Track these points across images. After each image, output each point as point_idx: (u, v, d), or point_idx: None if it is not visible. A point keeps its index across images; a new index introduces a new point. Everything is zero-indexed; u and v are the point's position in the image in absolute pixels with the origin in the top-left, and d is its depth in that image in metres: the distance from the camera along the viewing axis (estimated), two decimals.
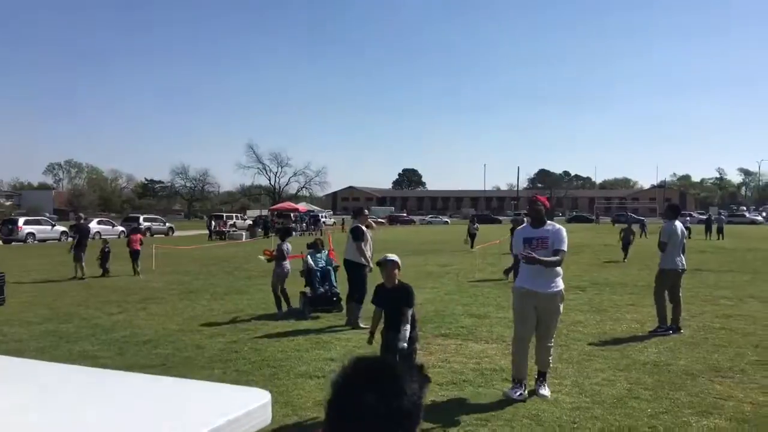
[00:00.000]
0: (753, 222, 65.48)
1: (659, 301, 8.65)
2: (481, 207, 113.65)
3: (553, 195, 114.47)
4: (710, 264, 18.87)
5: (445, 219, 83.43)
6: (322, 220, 58.70)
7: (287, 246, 10.66)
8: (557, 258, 5.59)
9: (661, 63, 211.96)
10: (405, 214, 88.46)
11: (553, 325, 5.76)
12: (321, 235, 29.11)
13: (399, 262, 5.50)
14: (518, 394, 5.49)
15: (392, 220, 76.10)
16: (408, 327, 5.11)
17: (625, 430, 4.78)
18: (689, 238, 32.82)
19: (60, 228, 38.63)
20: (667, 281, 8.72)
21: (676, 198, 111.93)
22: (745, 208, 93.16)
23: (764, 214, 79.08)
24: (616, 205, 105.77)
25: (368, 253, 9.20)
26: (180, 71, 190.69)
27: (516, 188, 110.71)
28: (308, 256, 10.67)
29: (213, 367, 6.75)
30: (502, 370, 6.50)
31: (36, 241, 35.67)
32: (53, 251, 25.32)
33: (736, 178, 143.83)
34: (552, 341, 5.81)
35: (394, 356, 4.75)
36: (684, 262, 8.87)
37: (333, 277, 10.53)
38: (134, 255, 16.95)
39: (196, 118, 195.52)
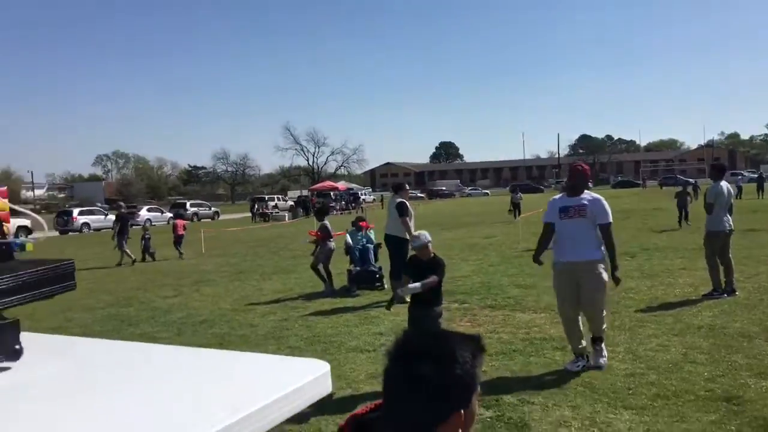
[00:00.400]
0: None
1: (711, 265, 8.47)
2: (522, 176, 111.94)
3: (597, 160, 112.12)
4: (764, 223, 18.25)
5: (485, 190, 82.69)
6: (362, 197, 59.00)
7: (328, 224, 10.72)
8: (611, 240, 5.45)
9: (699, 19, 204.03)
10: (444, 188, 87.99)
11: (597, 296, 5.40)
12: (362, 212, 29.29)
13: (430, 238, 5.42)
14: (578, 365, 5.40)
15: (431, 194, 75.84)
16: (433, 278, 5.19)
17: (682, 394, 4.74)
18: (739, 198, 32.22)
19: (113, 217, 39.76)
20: (717, 243, 8.53)
21: (725, 157, 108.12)
22: None
23: None
24: (663, 167, 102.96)
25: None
26: (210, 58, 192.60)
27: (557, 155, 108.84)
28: (348, 235, 10.84)
29: (267, 344, 6.94)
30: (552, 339, 6.50)
31: (91, 231, 36.89)
32: (108, 239, 26.18)
33: None
34: (602, 310, 5.50)
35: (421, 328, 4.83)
36: (731, 223, 8.64)
37: (372, 256, 10.63)
38: (178, 240, 17.77)
39: (234, 103, 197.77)
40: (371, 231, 11.32)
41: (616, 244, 5.50)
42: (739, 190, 35.17)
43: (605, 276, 5.39)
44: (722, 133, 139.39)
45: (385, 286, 9.96)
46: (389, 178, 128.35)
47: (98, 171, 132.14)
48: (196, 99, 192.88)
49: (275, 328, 7.77)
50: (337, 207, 46.58)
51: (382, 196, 56.58)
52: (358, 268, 10.38)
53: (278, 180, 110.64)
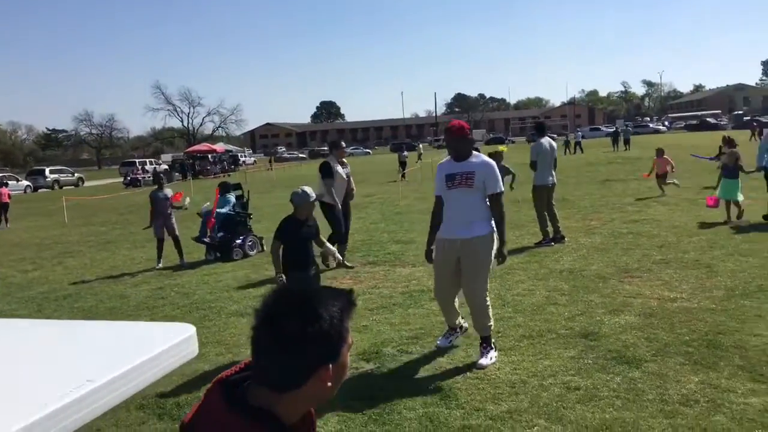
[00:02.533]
0: (656, 131, 68.86)
1: (540, 217, 9.11)
2: (401, 135, 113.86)
3: (471, 118, 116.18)
4: (618, 174, 19.87)
5: (367, 149, 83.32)
6: (242, 159, 57.39)
7: (165, 192, 9.79)
8: (501, 212, 4.68)
9: None
10: (325, 148, 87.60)
11: (478, 282, 4.58)
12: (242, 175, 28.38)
13: (313, 194, 5.10)
14: (449, 340, 5.00)
15: (313, 155, 75.28)
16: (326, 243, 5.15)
17: (545, 333, 5.11)
18: (581, 152, 35.08)
19: None
20: (543, 196, 9.16)
21: (585, 113, 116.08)
22: (648, 119, 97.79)
23: (666, 123, 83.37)
24: (530, 124, 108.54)
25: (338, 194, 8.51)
26: (68, 7, 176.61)
27: (435, 114, 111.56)
28: (207, 203, 10.33)
29: (139, 315, 6.64)
30: (430, 290, 6.70)
31: None
32: None
33: (640, 90, 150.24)
34: (484, 300, 4.63)
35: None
36: (554, 178, 9.30)
37: (216, 225, 9.91)
38: (4, 207, 17.89)
39: (94, 60, 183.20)
40: (231, 196, 10.50)
41: (505, 215, 4.77)
42: (578, 144, 38.38)
43: (491, 257, 4.61)
44: (582, 91, 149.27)
45: (239, 256, 9.52)
46: (270, 139, 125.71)
47: None
48: (52, 57, 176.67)
49: (149, 298, 7.44)
50: (216, 169, 45.02)
51: (271, 159, 55.01)
52: (219, 236, 9.71)
53: (151, 143, 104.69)
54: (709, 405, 3.61)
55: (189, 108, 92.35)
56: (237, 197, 10.58)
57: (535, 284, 6.71)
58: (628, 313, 5.47)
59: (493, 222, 4.67)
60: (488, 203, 4.68)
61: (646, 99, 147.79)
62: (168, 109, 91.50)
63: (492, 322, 4.68)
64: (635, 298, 5.91)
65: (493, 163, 4.72)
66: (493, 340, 4.70)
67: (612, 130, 48.07)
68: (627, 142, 37.61)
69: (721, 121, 72.39)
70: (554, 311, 5.70)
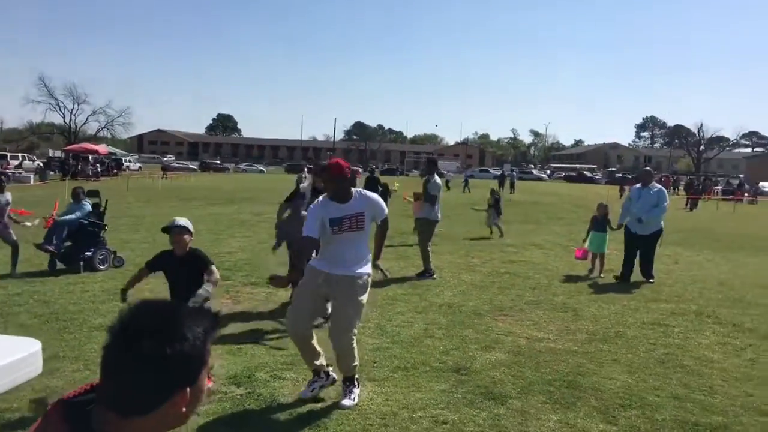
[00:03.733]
0: (539, 179, 73.36)
1: (426, 249, 9.28)
2: (298, 156, 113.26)
3: (368, 148, 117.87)
4: (505, 214, 20.78)
5: (261, 167, 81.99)
6: (126, 164, 54.55)
7: (6, 197, 8.84)
8: (386, 230, 4.65)
9: (462, 20, 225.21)
10: (218, 161, 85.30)
11: (351, 322, 4.22)
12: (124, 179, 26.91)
13: (190, 227, 4.59)
14: (312, 389, 4.43)
15: (204, 167, 73.01)
16: (210, 285, 4.40)
17: (419, 365, 5.19)
18: (466, 190, 36.93)
19: None
20: (432, 231, 9.47)
21: (477, 155, 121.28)
22: (533, 166, 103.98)
23: (548, 171, 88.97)
24: (425, 158, 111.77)
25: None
26: None
27: (333, 139, 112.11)
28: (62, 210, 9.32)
29: None
30: None
31: None
32: None
33: (527, 138, 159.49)
34: (352, 341, 4.24)
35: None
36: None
37: (64, 232, 9.05)
38: None
39: None
40: (87, 203, 9.61)
41: (385, 234, 4.70)
42: (466, 183, 40.36)
43: (363, 298, 4.28)
44: (476, 133, 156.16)
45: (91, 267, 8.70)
46: (159, 146, 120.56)
47: None
48: None
49: (3, 304, 6.80)
50: (93, 171, 42.44)
51: (181, 166, 52.61)
52: (63, 245, 8.88)
53: (26, 137, 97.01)
54: None
55: (73, 104, 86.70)
56: (93, 205, 9.66)
57: (414, 317, 6.83)
58: (499, 350, 5.68)
59: (369, 265, 4.43)
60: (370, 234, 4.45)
61: (532, 147, 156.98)
62: (50, 103, 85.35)
63: (357, 363, 4.35)
64: (506, 335, 6.16)
65: (369, 193, 4.45)
66: (356, 376, 4.43)
67: (499, 173, 50.62)
68: (512, 185, 39.73)
69: (596, 175, 78.27)
70: (430, 344, 5.81)
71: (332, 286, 4.26)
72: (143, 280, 4.71)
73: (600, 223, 10.20)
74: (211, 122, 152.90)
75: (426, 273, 9.19)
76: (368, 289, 4.36)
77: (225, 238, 12.61)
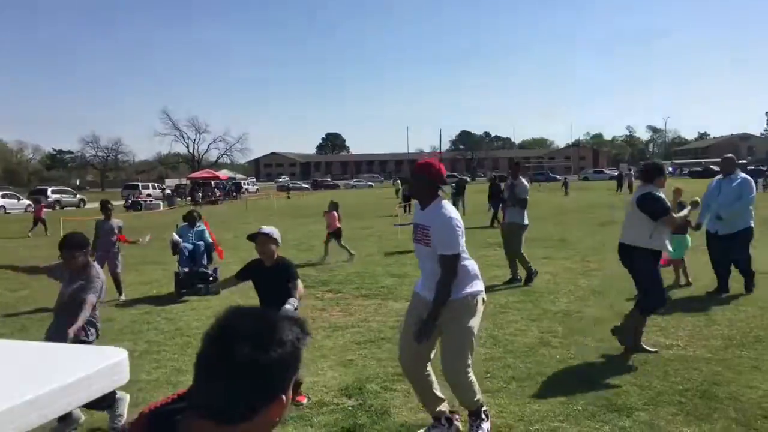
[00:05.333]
0: None
1: (521, 255, 8.85)
2: (405, 169, 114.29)
3: (475, 156, 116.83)
4: (620, 217, 19.73)
5: (369, 183, 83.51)
6: (245, 187, 57.56)
7: (111, 224, 9.03)
8: (442, 286, 3.57)
9: (565, 24, 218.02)
10: (329, 179, 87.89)
11: (455, 346, 3.66)
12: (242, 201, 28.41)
13: (276, 236, 4.50)
14: None
15: (316, 185, 75.49)
16: (295, 300, 4.28)
17: (535, 376, 4.94)
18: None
19: None
20: (522, 235, 8.99)
21: (590, 155, 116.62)
22: None
23: (670, 168, 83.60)
24: (534, 164, 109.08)
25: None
26: (80, 32, 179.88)
27: (439, 150, 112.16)
28: (174, 233, 9.53)
29: (122, 339, 6.48)
30: None
31: None
32: None
33: (644, 135, 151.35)
34: (463, 370, 3.68)
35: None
36: None
37: (205, 256, 9.37)
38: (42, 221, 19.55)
39: (105, 85, 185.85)
40: (204, 228, 9.80)
41: (448, 283, 3.57)
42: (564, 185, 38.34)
43: (473, 323, 3.68)
44: (588, 134, 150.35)
45: (219, 291, 8.31)
46: (274, 168, 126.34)
47: None
48: (62, 78, 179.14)
49: (134, 322, 7.29)
50: (217, 195, 45.19)
51: (291, 187, 55.28)
52: (186, 270, 9.01)
53: (155, 167, 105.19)
54: None
55: (195, 134, 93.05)
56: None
57: (528, 325, 6.55)
58: (622, 359, 5.30)
59: (475, 283, 3.73)
60: (465, 253, 3.72)
61: (651, 144, 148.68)
62: (174, 135, 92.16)
63: (480, 396, 3.83)
64: None
65: (452, 216, 3.62)
66: (484, 409, 3.89)
67: (616, 173, 48.37)
68: (630, 185, 37.81)
69: None
70: (546, 353, 5.53)
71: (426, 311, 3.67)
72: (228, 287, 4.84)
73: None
74: (321, 141, 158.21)
75: (531, 275, 8.83)
76: (477, 311, 3.68)
77: (335, 253, 12.85)
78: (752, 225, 7.73)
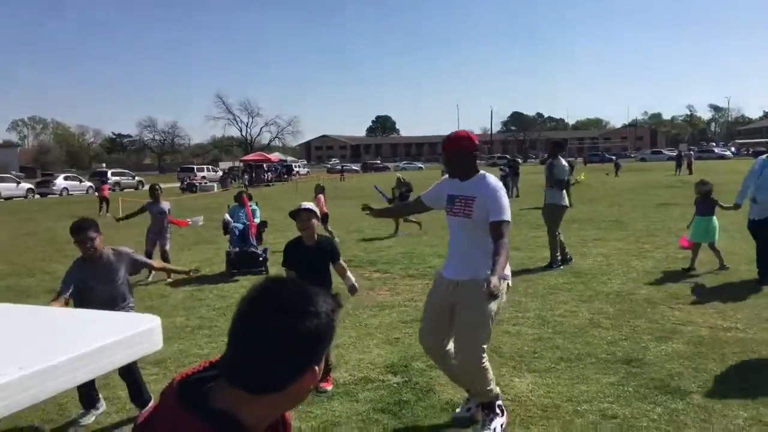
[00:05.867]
0: (722, 157, 66.28)
1: (556, 236, 8.55)
2: None
3: (527, 137, 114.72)
4: (678, 198, 19.09)
5: (419, 164, 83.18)
6: (296, 169, 58.26)
7: (161, 206, 9.13)
8: (503, 247, 3.35)
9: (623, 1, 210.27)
10: (379, 161, 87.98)
11: (470, 330, 3.50)
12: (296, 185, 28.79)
13: (317, 210, 4.48)
14: (467, 410, 3.90)
15: (366, 168, 75.71)
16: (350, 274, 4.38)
17: (585, 357, 4.84)
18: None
19: (26, 185, 37.91)
20: (560, 217, 8.67)
21: (647, 136, 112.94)
22: (714, 144, 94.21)
23: (732, 149, 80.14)
24: (588, 145, 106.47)
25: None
26: (138, 19, 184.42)
27: (490, 131, 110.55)
28: (226, 213, 9.57)
29: (175, 314, 6.66)
30: None
31: (2, 199, 34.92)
32: (18, 208, 24.76)
33: (706, 114, 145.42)
34: (476, 356, 3.49)
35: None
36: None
37: (251, 235, 9.36)
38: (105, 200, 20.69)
39: (161, 70, 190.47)
40: (256, 208, 9.90)
41: (507, 248, 3.39)
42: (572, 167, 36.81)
43: (491, 307, 3.46)
44: (645, 113, 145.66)
45: (268, 270, 8.79)
46: (324, 151, 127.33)
47: (14, 137, 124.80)
48: (121, 65, 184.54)
49: (186, 299, 7.49)
50: (266, 178, 45.96)
51: (343, 169, 55.95)
52: (236, 249, 9.08)
53: (209, 150, 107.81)
54: None
55: (248, 118, 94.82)
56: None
57: (578, 306, 6.42)
58: (677, 340, 5.13)
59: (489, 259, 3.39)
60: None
61: (712, 124, 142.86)
62: (228, 119, 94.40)
63: (494, 386, 3.65)
64: (685, 325, 5.56)
65: (497, 184, 3.58)
66: (498, 403, 3.73)
67: (675, 153, 46.72)
68: (690, 166, 36.47)
69: None
70: (596, 335, 5.41)
71: (454, 294, 3.59)
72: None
73: (702, 205, 8.14)
74: (371, 124, 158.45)
75: (553, 264, 8.52)
76: (498, 295, 3.19)
77: (382, 235, 12.86)
78: None
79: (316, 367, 1.12)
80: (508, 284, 3.55)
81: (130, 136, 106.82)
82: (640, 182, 28.75)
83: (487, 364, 3.56)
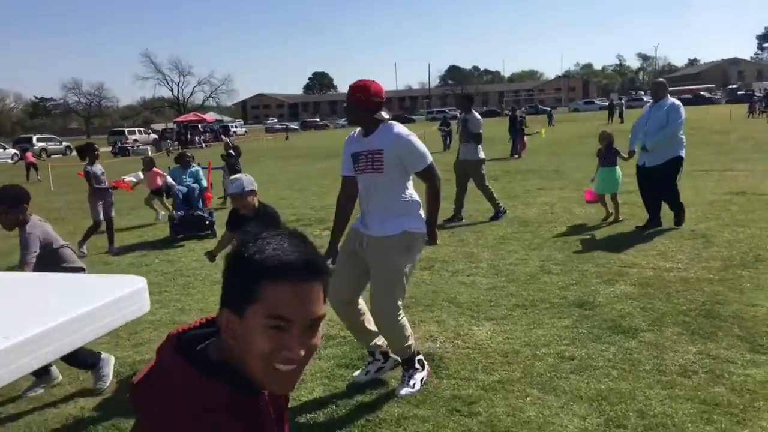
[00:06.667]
0: None
1: (486, 189, 8.64)
2: (395, 107, 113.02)
3: (465, 91, 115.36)
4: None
5: None
6: (233, 129, 56.82)
7: (94, 168, 8.32)
8: (434, 187, 3.50)
9: None
10: (318, 119, 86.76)
11: (383, 286, 3.40)
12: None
13: (251, 187, 4.14)
14: (366, 373, 3.79)
15: (305, 126, 74.58)
16: None
17: (539, 303, 4.97)
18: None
19: None
20: (482, 171, 8.69)
21: (580, 86, 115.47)
22: (642, 93, 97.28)
23: None
24: (524, 97, 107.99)
25: None
26: None
27: (428, 86, 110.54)
28: (168, 175, 9.26)
29: None
30: (421, 259, 6.56)
31: None
32: None
33: (635, 63, 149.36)
34: (390, 312, 3.41)
35: None
36: None
37: (200, 200, 9.22)
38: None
39: (83, 28, 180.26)
40: (199, 169, 9.61)
41: (439, 189, 3.53)
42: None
43: (404, 262, 3.40)
44: (577, 64, 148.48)
45: (216, 234, 8.43)
46: (261, 110, 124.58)
47: None
48: (39, 23, 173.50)
49: (132, 264, 7.27)
50: (205, 139, 44.65)
51: (295, 129, 54.81)
52: (181, 213, 8.80)
53: (140, 112, 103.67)
54: (708, 376, 3.49)
55: (179, 77, 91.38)
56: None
57: (528, 254, 6.57)
58: (624, 282, 5.33)
59: (414, 220, 3.46)
60: (410, 188, 3.50)
61: (641, 73, 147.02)
62: (158, 78, 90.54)
63: (412, 342, 3.57)
64: (631, 267, 5.77)
65: (409, 134, 3.41)
66: (418, 357, 3.67)
67: (606, 103, 47.98)
68: (621, 115, 37.60)
69: (715, 95, 72.12)
70: (548, 281, 5.56)
71: (366, 248, 3.49)
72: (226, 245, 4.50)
73: (605, 156, 8.10)
74: (308, 81, 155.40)
75: (498, 213, 8.61)
76: (412, 250, 3.42)
77: (328, 191, 12.76)
78: (682, 154, 7.10)
79: (230, 312, 0.99)
80: (425, 239, 3.54)
81: (54, 100, 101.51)
82: (575, 133, 29.46)
83: (403, 320, 3.49)
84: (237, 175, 4.27)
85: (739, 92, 64.63)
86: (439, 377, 3.74)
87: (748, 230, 6.92)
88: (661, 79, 7.81)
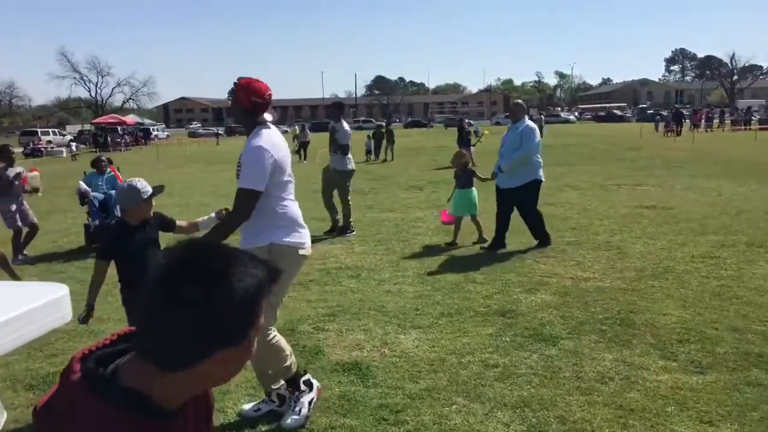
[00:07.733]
0: (567, 121, 71.51)
1: (349, 203, 8.66)
2: (321, 115, 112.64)
3: (390, 101, 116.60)
4: None
5: (285, 128, 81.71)
6: (155, 133, 54.97)
7: (16, 170, 7.92)
8: (225, 220, 3.35)
9: None
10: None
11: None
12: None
13: (150, 189, 3.60)
14: (257, 408, 3.47)
15: (230, 132, 73.07)
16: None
17: (463, 311, 5.07)
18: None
19: None
20: (348, 183, 8.73)
21: (501, 101, 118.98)
22: (560, 109, 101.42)
23: (576, 113, 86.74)
24: (448, 109, 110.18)
25: None
26: None
27: (354, 95, 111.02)
28: (82, 181, 8.70)
29: None
30: (348, 267, 6.61)
31: None
32: None
33: (552, 81, 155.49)
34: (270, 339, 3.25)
35: None
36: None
37: (118, 207, 8.75)
38: None
39: None
40: (113, 174, 8.98)
41: (233, 221, 3.20)
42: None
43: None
44: (498, 79, 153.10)
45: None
46: (185, 114, 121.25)
47: None
48: None
49: (46, 272, 6.90)
50: (123, 143, 42.89)
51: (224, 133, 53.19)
52: (96, 222, 8.22)
53: (54, 113, 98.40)
54: (623, 382, 3.66)
55: (97, 77, 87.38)
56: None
57: (453, 262, 6.69)
58: (544, 291, 5.52)
59: (289, 232, 3.23)
60: (286, 198, 3.30)
61: (558, 90, 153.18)
62: (74, 78, 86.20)
63: (291, 361, 3.36)
64: (550, 277, 5.98)
65: (259, 145, 3.06)
66: (305, 378, 3.41)
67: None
68: (541, 129, 39.06)
69: (626, 113, 76.16)
70: (472, 289, 5.68)
71: None
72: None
73: (460, 177, 7.88)
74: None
75: (347, 229, 8.57)
76: (287, 265, 3.08)
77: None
78: (539, 178, 7.02)
79: (234, 348, 0.98)
80: (303, 254, 3.30)
81: None
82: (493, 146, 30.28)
83: (275, 340, 3.28)
84: (130, 180, 3.62)
85: (648, 111, 68.51)
86: (366, 386, 3.74)
87: (658, 242, 7.32)
88: (519, 101, 7.79)
